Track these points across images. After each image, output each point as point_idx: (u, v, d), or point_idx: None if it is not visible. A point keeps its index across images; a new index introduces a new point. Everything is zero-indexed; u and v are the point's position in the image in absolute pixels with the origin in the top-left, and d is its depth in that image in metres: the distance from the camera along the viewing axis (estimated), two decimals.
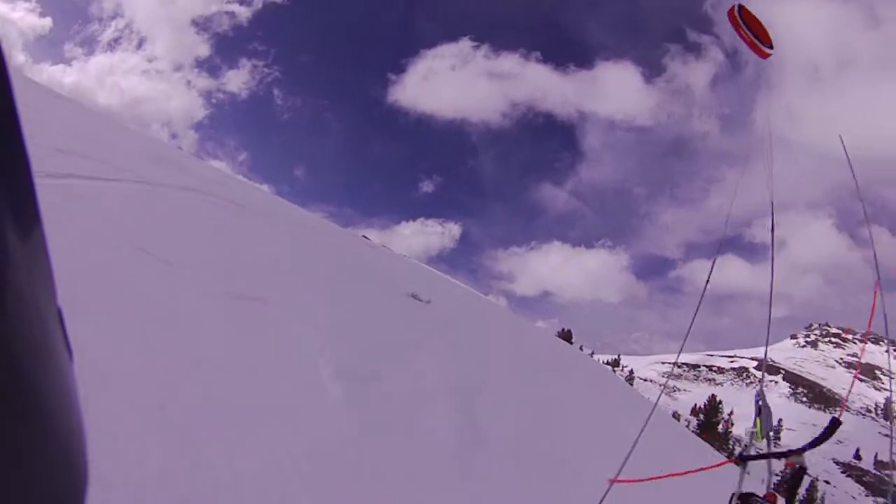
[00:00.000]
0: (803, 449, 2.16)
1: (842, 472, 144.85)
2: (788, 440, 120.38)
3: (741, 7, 4.62)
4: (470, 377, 7.76)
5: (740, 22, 4.63)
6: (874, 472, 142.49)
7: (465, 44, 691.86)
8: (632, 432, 3.27)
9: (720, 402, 64.18)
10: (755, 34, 4.64)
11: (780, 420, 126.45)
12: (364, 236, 34.52)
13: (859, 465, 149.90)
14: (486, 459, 5.46)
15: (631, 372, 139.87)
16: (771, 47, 4.59)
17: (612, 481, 2.83)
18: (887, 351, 3.05)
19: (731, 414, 59.86)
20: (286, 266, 8.31)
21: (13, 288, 0.33)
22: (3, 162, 0.34)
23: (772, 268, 2.94)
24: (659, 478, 2.98)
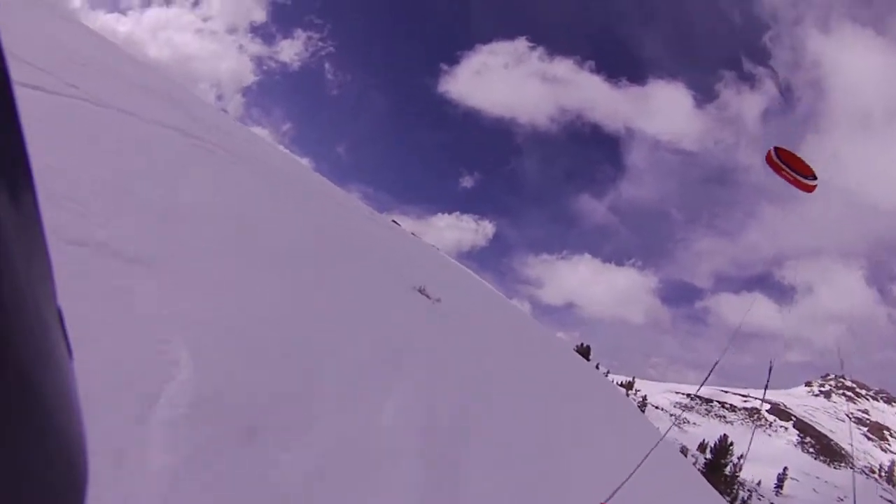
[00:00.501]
0: None
1: None
2: (791, 490, 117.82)
3: (777, 148, 4.55)
4: (454, 416, 5.75)
5: (780, 163, 4.51)
6: None
7: (522, 43, 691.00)
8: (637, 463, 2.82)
9: (731, 444, 62.07)
10: (796, 169, 4.49)
11: (785, 468, 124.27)
12: (394, 221, 33.12)
13: None
14: None
15: (644, 398, 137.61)
16: (815, 178, 4.39)
17: None
18: None
19: (741, 457, 57.72)
20: (229, 221, 5.89)
21: (13, 288, 0.33)
22: (3, 162, 0.34)
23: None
24: None
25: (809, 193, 4.56)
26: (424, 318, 8.07)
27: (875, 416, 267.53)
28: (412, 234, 31.01)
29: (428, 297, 8.97)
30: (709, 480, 21.69)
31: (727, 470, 58.40)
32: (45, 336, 0.37)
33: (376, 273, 8.69)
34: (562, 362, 17.39)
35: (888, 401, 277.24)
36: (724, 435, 67.34)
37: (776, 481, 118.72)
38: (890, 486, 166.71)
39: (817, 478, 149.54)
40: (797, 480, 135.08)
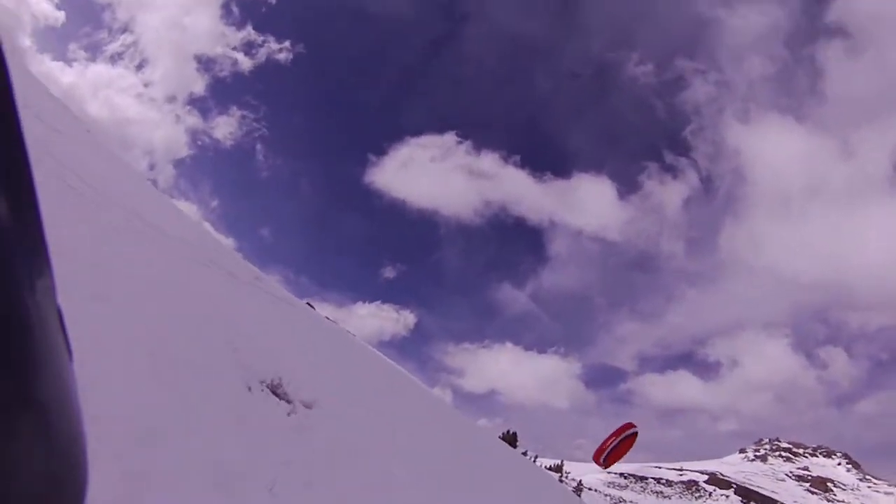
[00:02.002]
0: None
1: None
2: None
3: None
4: None
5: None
6: None
7: (451, 137, 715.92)
8: None
9: None
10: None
11: None
12: (308, 303, 30.74)
13: None
14: None
15: (579, 483, 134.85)
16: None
17: None
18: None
19: None
20: None
21: (13, 288, 0.34)
22: (3, 162, 0.35)
23: None
24: None
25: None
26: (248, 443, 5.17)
27: (816, 472, 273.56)
28: (326, 317, 28.58)
29: (280, 398, 6.15)
30: None
31: None
32: (45, 336, 0.36)
33: (199, 358, 5.79)
34: (487, 457, 15.71)
35: (828, 454, 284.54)
36: None
37: None
38: None
39: None
40: None
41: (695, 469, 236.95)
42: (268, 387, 6.16)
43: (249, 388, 5.89)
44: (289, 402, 6.32)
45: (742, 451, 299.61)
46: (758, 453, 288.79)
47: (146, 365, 4.83)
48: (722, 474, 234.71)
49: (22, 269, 0.33)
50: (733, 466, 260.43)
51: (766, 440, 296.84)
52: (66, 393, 0.39)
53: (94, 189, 8.12)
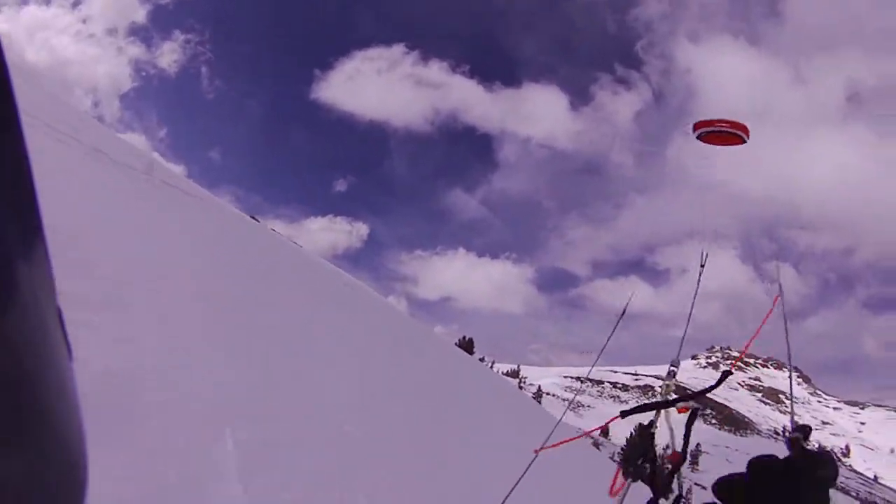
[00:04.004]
0: (692, 396, 2.04)
1: None
2: (705, 463, 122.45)
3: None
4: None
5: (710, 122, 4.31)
6: None
7: (399, 49, 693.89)
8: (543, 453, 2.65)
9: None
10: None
11: (697, 444, 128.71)
12: (272, 229, 30.58)
13: None
14: None
15: (539, 389, 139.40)
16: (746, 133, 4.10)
17: (537, 451, 2.63)
18: (790, 376, 2.81)
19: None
20: None
21: (13, 288, 0.33)
22: (3, 162, 0.34)
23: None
24: (573, 438, 3.14)
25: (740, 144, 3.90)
26: None
27: (767, 382, 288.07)
28: (274, 231, 28.17)
29: None
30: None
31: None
32: (45, 336, 0.36)
33: None
34: (446, 363, 16.77)
35: (778, 367, 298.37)
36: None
37: (689, 458, 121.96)
38: None
39: (727, 447, 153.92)
40: (708, 453, 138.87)
41: (649, 374, 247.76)
42: None
43: None
44: None
45: (694, 357, 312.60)
46: (709, 360, 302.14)
47: None
48: (680, 382, 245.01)
49: (22, 269, 0.34)
50: (686, 373, 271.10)
51: (718, 348, 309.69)
52: (67, 393, 0.39)
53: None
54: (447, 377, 14.34)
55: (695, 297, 3.07)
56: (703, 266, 3.35)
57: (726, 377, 2.25)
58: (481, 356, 59.68)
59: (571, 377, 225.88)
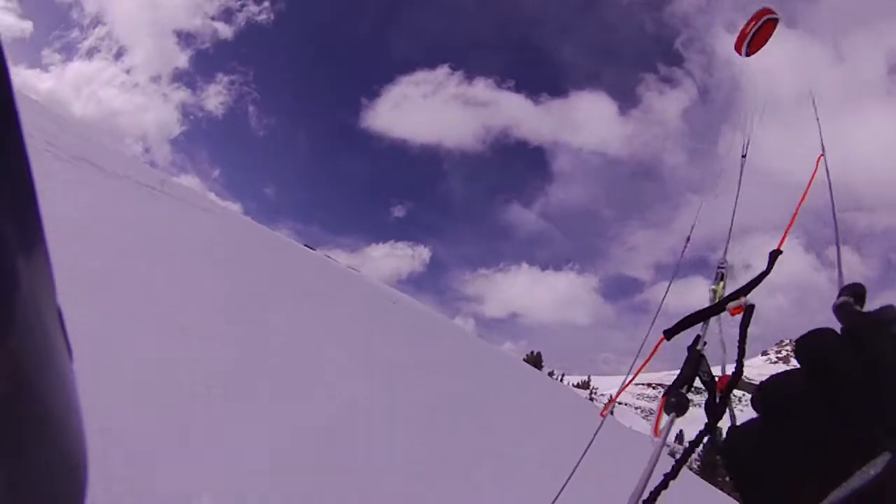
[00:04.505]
0: (745, 289, 1.37)
1: None
2: None
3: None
4: None
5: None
6: None
7: (442, 70, 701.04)
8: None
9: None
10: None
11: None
12: (328, 256, 31.46)
13: None
14: None
15: (610, 398, 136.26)
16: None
17: (603, 414, 2.41)
18: (836, 232, 1.92)
19: None
20: None
21: (13, 288, 0.33)
22: (3, 162, 0.34)
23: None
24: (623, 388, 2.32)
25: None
26: None
27: None
28: (349, 267, 29.29)
29: None
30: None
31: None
32: (45, 336, 0.36)
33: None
34: (509, 380, 16.69)
35: None
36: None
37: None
38: None
39: None
40: None
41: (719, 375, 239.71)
42: None
43: None
44: None
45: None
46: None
47: None
48: (747, 377, 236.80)
49: (22, 269, 0.33)
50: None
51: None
52: (67, 393, 0.39)
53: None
54: (509, 393, 14.36)
55: (738, 189, 3.05)
56: (744, 157, 3.40)
57: (776, 257, 1.74)
58: (550, 370, 59.27)
59: (643, 384, 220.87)
